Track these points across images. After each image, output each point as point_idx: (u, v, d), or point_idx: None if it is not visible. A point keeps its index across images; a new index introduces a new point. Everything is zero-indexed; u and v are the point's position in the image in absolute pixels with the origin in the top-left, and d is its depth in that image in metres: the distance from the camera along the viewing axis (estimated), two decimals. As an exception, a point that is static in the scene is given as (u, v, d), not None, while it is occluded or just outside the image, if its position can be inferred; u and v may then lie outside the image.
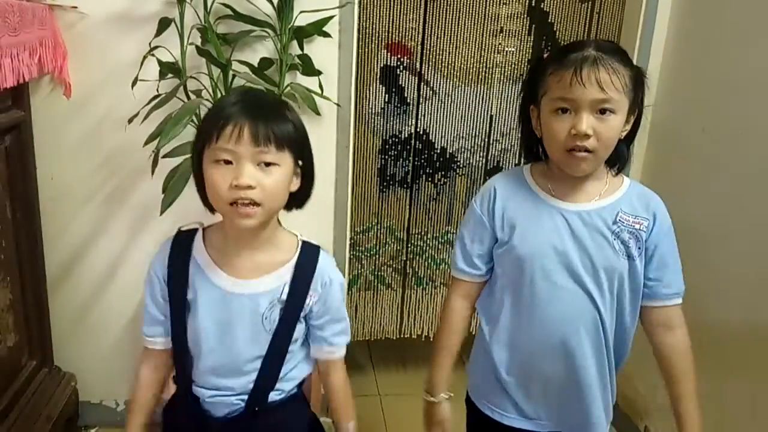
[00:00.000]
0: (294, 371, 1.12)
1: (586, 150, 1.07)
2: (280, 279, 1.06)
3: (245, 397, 1.07)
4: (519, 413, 1.23)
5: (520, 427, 1.23)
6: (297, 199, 1.09)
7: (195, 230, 1.10)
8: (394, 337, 2.36)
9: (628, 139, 1.15)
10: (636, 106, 1.11)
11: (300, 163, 1.04)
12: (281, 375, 1.09)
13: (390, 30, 2.02)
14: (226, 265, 1.05)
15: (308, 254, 1.09)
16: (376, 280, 2.31)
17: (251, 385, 1.07)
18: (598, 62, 1.04)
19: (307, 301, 1.07)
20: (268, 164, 0.98)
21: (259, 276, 1.06)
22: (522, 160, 1.37)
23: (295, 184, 1.06)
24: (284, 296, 1.05)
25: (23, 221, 1.72)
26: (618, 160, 1.16)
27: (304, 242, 1.12)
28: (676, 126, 1.95)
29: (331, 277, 1.10)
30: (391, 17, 2.01)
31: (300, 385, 1.17)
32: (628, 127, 1.12)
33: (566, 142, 1.07)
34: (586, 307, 1.14)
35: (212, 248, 1.07)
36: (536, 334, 1.17)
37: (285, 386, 1.12)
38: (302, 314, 1.08)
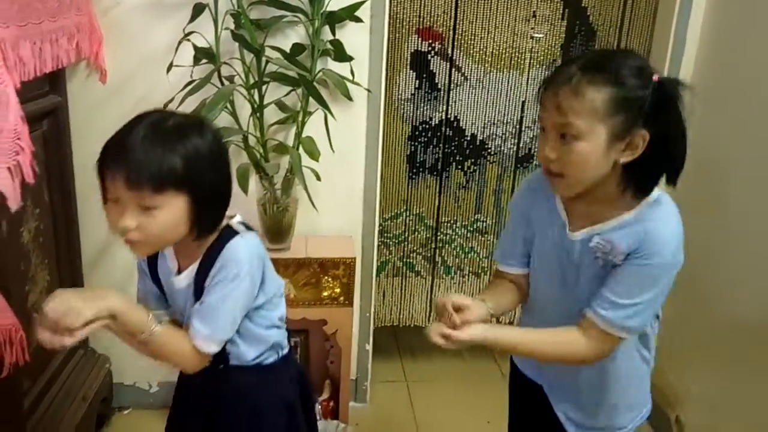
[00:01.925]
0: (240, 347, 1.17)
1: (554, 173, 1.04)
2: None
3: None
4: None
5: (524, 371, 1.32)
6: (201, 228, 1.05)
7: None
8: (423, 325, 2.36)
9: (646, 164, 1.02)
10: (631, 131, 0.99)
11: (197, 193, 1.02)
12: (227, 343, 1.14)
13: (421, 14, 2.01)
14: (182, 257, 1.14)
15: (221, 241, 1.09)
16: (404, 267, 2.31)
17: None
18: (563, 84, 0.99)
19: (207, 281, 1.09)
20: (148, 207, 0.98)
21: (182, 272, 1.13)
22: None
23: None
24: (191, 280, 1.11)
25: (60, 205, 1.75)
26: (628, 185, 1.04)
27: (222, 231, 1.10)
28: (710, 116, 1.91)
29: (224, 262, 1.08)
30: (423, 2, 2.00)
31: (283, 359, 1.24)
32: (635, 151, 1.01)
33: (540, 161, 1.07)
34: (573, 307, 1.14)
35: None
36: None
37: (241, 356, 1.18)
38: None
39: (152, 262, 1.17)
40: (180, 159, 0.97)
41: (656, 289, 1.05)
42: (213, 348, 1.09)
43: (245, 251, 1.07)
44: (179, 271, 1.13)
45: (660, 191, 1.08)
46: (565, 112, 0.99)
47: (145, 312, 1.05)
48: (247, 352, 1.18)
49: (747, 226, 1.73)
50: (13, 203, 1.20)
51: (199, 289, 1.09)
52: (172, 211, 0.99)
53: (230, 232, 1.08)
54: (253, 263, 1.08)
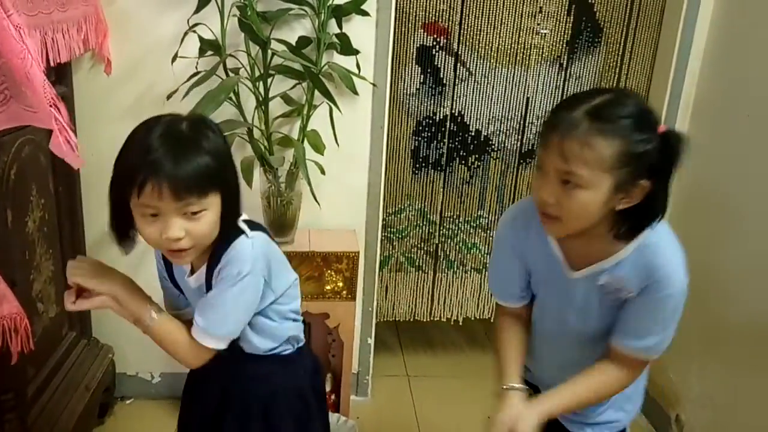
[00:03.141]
0: (253, 340, 1.18)
1: (551, 216, 1.02)
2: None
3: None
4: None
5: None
6: (227, 224, 1.06)
7: None
8: (425, 320, 2.37)
9: (641, 210, 1.02)
10: (634, 182, 0.99)
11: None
12: (240, 337, 1.16)
13: (427, 9, 2.01)
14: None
15: (227, 240, 1.08)
16: (406, 262, 2.31)
17: None
18: (570, 131, 0.95)
19: (213, 280, 1.10)
20: (194, 213, 0.99)
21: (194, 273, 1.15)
22: None
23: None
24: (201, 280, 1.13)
25: (65, 195, 1.76)
26: (620, 227, 1.04)
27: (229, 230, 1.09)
28: (720, 111, 1.90)
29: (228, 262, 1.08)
30: (429, -4, 1.99)
31: (298, 351, 1.25)
32: (633, 200, 1.01)
33: (535, 201, 1.05)
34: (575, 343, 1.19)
35: None
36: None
37: (256, 349, 1.20)
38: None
39: (168, 266, 1.18)
40: (210, 158, 0.98)
41: (677, 313, 1.08)
42: (210, 343, 1.09)
43: (249, 251, 1.07)
44: (191, 272, 1.14)
45: None
46: (570, 161, 0.96)
47: (146, 302, 1.08)
48: (262, 345, 1.19)
49: (749, 225, 1.73)
50: (76, 164, 1.26)
51: (209, 287, 1.10)
52: (214, 211, 1.01)
53: (236, 231, 1.08)
54: (258, 263, 1.08)
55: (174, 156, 0.95)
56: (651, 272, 1.05)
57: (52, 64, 1.42)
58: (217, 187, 1.01)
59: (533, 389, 1.27)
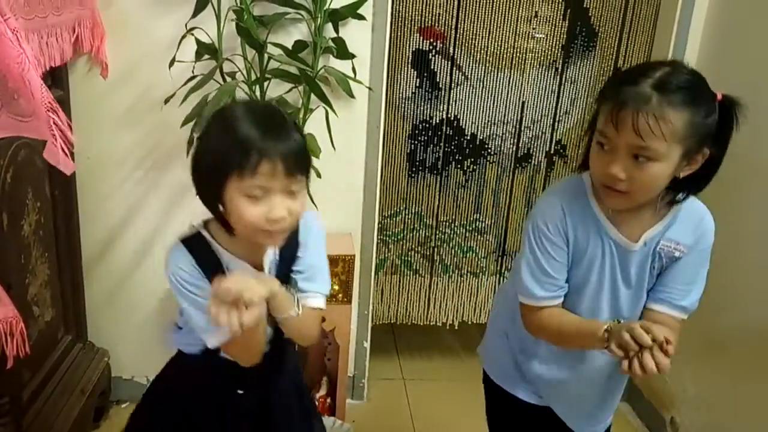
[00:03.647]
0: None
1: (619, 191, 1.04)
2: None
3: None
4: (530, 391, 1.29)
5: (529, 401, 1.29)
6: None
7: (198, 234, 1.09)
8: (421, 323, 2.37)
9: (698, 176, 1.07)
10: (700, 150, 1.03)
11: None
12: None
13: (423, 14, 2.02)
14: (247, 258, 1.10)
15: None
16: (402, 265, 2.31)
17: None
18: (642, 106, 0.97)
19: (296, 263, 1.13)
20: (294, 192, 0.99)
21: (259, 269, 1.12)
22: (575, 163, 1.34)
23: None
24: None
25: (61, 199, 1.76)
26: (670, 194, 1.10)
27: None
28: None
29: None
30: (425, 1, 2.00)
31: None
32: (695, 166, 1.05)
33: (602, 177, 1.05)
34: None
35: (229, 245, 1.08)
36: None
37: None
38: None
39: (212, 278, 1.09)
40: (301, 137, 1.01)
41: (707, 263, 1.16)
42: (324, 304, 1.13)
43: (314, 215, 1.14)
44: (257, 268, 1.10)
45: None
46: (645, 135, 0.97)
47: (289, 293, 1.08)
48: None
49: (746, 226, 1.74)
50: (69, 169, 1.24)
51: (284, 275, 1.11)
52: (305, 192, 1.03)
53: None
54: None
55: (279, 135, 0.97)
56: (699, 225, 1.13)
57: (45, 68, 1.42)
58: (309, 166, 1.03)
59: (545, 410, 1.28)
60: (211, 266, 1.06)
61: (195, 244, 1.07)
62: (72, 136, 1.25)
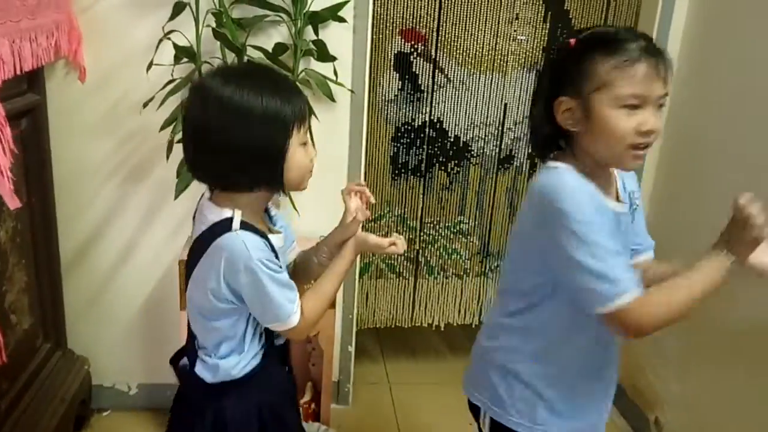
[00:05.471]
0: None
1: (648, 145, 1.03)
2: None
3: None
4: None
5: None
6: None
7: (237, 217, 1.08)
8: (406, 326, 2.36)
9: None
10: None
11: None
12: None
13: (404, 16, 2.01)
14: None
15: None
16: (387, 269, 2.30)
17: None
18: (660, 57, 1.00)
19: None
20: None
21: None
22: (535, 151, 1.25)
23: None
24: None
25: (38, 205, 1.73)
26: None
27: None
28: (693, 114, 1.93)
29: None
30: (406, 3, 2.00)
31: None
32: None
33: (632, 139, 1.00)
34: None
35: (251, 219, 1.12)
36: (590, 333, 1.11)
37: None
38: None
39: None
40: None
41: None
42: None
43: None
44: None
45: None
46: (667, 83, 1.01)
47: None
48: None
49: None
50: (13, 204, 1.24)
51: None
52: None
53: None
54: None
55: (294, 89, 1.12)
56: (631, 174, 1.15)
57: (17, 72, 1.39)
58: None
59: None
60: (267, 240, 1.09)
61: (246, 226, 1.08)
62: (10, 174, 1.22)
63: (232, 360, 1.13)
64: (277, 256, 1.11)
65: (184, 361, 1.19)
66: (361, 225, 1.20)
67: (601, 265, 0.97)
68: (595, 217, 0.99)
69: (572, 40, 1.05)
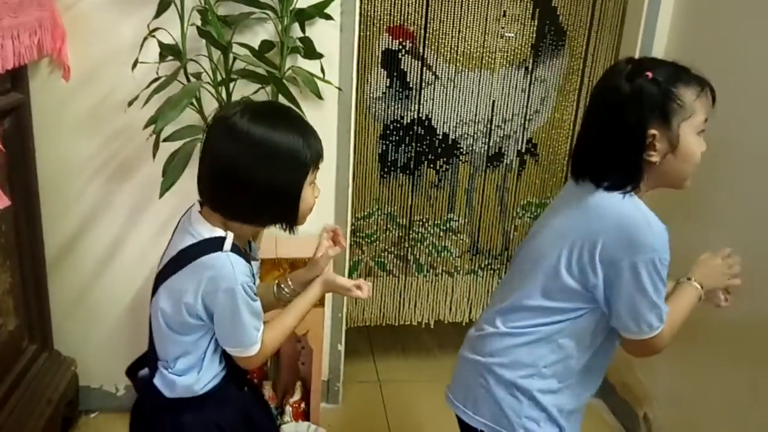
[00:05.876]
0: None
1: None
2: None
3: None
4: None
5: None
6: None
7: (228, 238, 1.09)
8: (395, 324, 2.36)
9: None
10: None
11: None
12: None
13: (392, 13, 2.01)
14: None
15: None
16: (376, 267, 2.30)
17: None
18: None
19: None
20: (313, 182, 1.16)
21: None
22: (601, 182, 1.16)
23: None
24: None
25: (22, 205, 1.71)
26: None
27: None
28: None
29: None
30: (393, 0, 1.99)
31: None
32: None
33: (699, 159, 1.13)
34: None
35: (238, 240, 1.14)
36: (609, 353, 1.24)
37: None
38: None
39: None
40: None
41: None
42: None
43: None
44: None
45: None
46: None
47: None
48: None
49: (715, 221, 1.76)
50: (2, 204, 1.24)
51: None
52: None
53: None
54: None
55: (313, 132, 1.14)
56: None
57: (0, 71, 1.38)
58: None
59: None
60: (251, 266, 1.12)
61: (235, 249, 1.08)
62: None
63: (190, 377, 1.13)
64: (254, 282, 1.13)
65: (144, 372, 1.18)
66: (331, 261, 1.27)
67: (656, 296, 1.10)
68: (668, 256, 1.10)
69: (649, 73, 1.08)
